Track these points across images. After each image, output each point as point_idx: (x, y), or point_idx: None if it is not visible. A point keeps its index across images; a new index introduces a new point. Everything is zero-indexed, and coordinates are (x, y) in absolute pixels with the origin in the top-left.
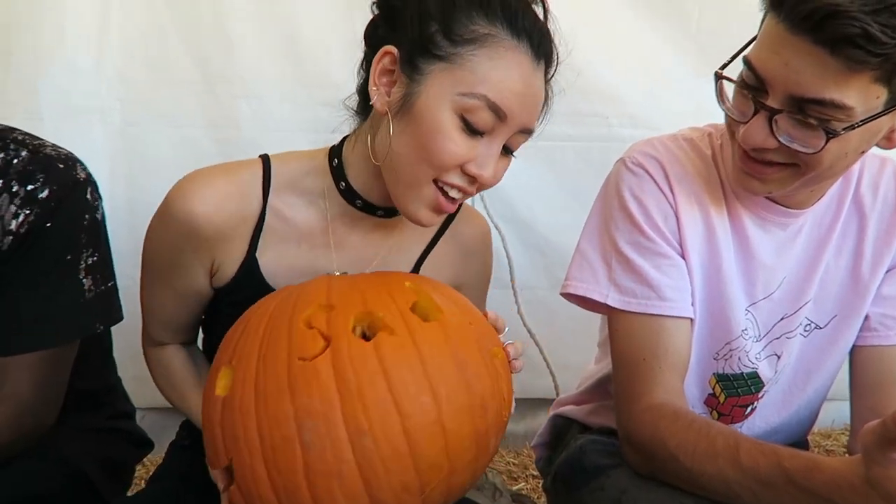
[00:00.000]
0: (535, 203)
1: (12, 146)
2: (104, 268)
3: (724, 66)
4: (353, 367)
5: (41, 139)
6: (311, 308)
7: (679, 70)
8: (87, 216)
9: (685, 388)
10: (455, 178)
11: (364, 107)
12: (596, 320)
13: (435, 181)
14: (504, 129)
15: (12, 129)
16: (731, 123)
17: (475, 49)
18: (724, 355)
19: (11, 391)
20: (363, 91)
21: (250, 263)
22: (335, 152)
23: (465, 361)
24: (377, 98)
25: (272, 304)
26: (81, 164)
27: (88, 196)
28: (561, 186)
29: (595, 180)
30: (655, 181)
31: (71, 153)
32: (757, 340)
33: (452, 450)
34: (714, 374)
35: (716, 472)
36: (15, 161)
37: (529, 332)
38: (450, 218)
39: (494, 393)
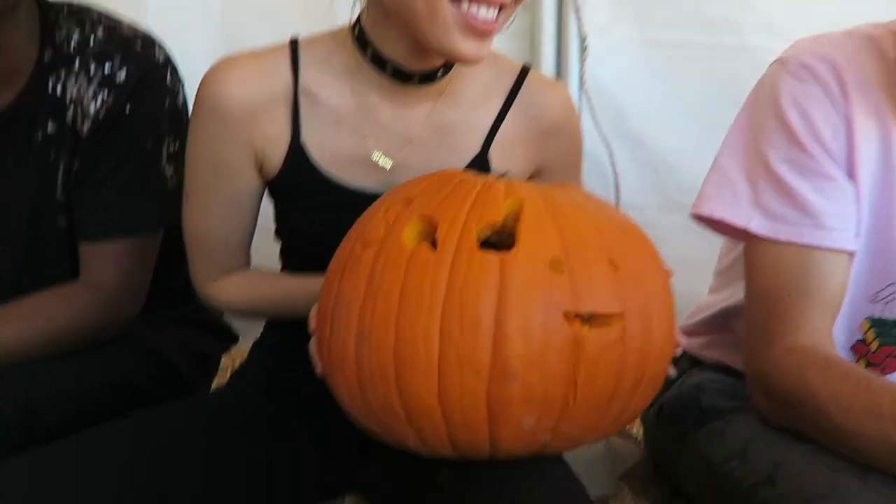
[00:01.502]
0: (650, 116)
1: (88, 24)
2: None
3: None
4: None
5: (118, 19)
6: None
7: None
8: (167, 101)
9: None
10: None
11: None
12: (708, 246)
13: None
14: None
15: (88, 8)
16: None
17: None
18: (885, 297)
19: (94, 280)
20: None
21: (296, 148)
22: (355, 26)
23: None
24: None
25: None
26: (160, 45)
27: (168, 79)
28: (680, 99)
29: (719, 95)
30: (825, 88)
31: (149, 34)
32: None
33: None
34: (868, 318)
35: (878, 435)
36: (91, 41)
37: None
38: (516, 87)
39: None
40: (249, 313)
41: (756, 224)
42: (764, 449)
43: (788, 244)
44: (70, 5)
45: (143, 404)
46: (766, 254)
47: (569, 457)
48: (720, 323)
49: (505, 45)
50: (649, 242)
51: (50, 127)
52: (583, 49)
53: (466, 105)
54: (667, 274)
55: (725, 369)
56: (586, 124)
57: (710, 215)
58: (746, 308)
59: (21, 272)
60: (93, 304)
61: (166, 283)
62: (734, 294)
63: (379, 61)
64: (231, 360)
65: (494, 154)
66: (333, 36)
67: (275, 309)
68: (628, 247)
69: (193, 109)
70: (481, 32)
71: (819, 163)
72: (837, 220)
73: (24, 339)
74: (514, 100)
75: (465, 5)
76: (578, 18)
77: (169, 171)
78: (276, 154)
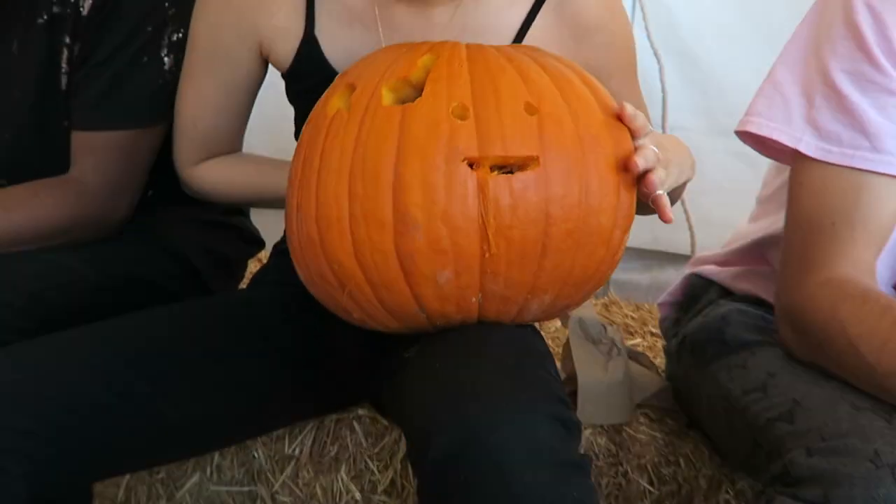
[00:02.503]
0: (706, 32)
1: None
2: None
3: None
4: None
5: None
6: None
7: None
8: None
9: None
10: None
11: None
12: (753, 174)
13: None
14: None
15: None
16: None
17: None
18: None
19: (74, 175)
20: None
21: (310, 42)
22: None
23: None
24: None
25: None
26: None
27: None
28: (740, 13)
29: (786, 10)
30: None
31: None
32: None
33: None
34: None
35: None
36: None
37: None
38: None
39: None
40: (228, 197)
41: (806, 144)
42: (785, 383)
43: (839, 167)
44: None
45: (162, 302)
46: (814, 177)
47: (585, 383)
48: (756, 252)
49: None
50: (604, 99)
51: (54, 6)
52: None
53: (492, 7)
54: (622, 130)
55: (756, 301)
56: (638, 35)
57: (756, 132)
58: (785, 235)
59: (22, 163)
60: (71, 200)
61: None
62: (774, 223)
63: None
64: (259, 266)
65: None
66: None
67: (252, 189)
68: (565, 95)
69: None
70: None
71: (887, 77)
72: None
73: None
74: (544, 0)
75: None
76: None
77: (169, 61)
78: (287, 46)
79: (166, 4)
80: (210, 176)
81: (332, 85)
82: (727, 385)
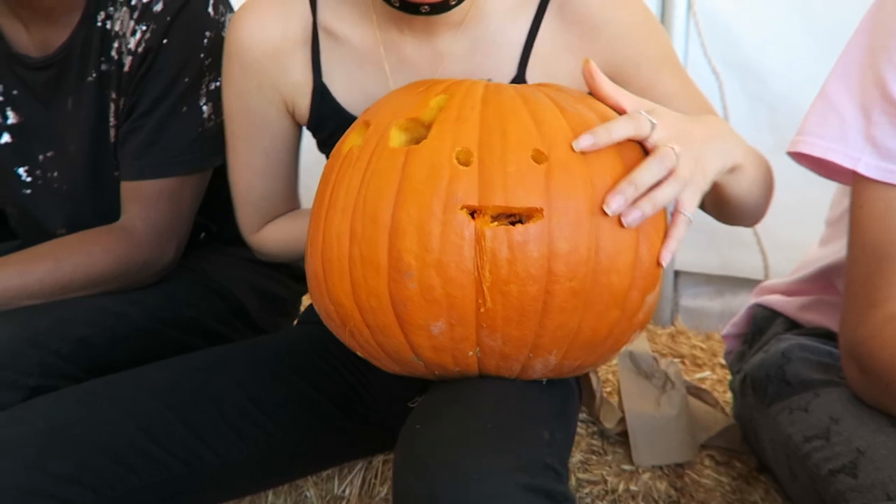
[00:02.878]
0: (768, 44)
1: None
2: None
3: None
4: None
5: None
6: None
7: None
8: (207, 33)
9: None
10: None
11: None
12: (822, 192)
13: None
14: None
15: None
16: None
17: None
18: None
19: (123, 223)
20: None
21: (321, 90)
22: None
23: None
24: None
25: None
26: None
27: (210, 10)
28: (804, 23)
29: (853, 16)
30: None
31: None
32: None
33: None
34: None
35: None
36: None
37: None
38: None
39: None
40: (297, 253)
41: (865, 164)
42: (850, 431)
43: None
44: None
45: (212, 342)
46: (876, 199)
47: (634, 420)
48: (825, 280)
49: None
50: (630, 146)
51: (102, 64)
52: None
53: (493, 26)
54: None
55: (825, 335)
56: (693, 50)
57: (809, 153)
58: (847, 264)
59: (80, 214)
60: (119, 247)
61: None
62: (844, 248)
63: None
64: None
65: (534, 73)
66: None
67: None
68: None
69: (223, 59)
70: None
71: None
72: None
73: (41, 282)
74: (546, 6)
75: None
76: None
77: (207, 109)
78: (304, 100)
79: (202, 55)
80: (272, 238)
81: (354, 122)
82: (787, 430)
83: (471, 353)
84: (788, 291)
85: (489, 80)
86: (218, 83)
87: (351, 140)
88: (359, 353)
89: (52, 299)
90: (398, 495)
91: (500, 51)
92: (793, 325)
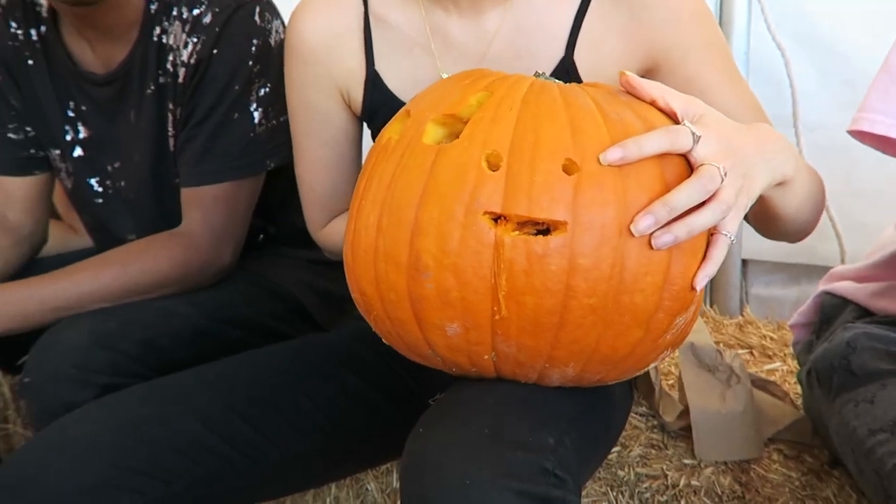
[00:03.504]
0: (845, 17)
1: None
2: (278, 99)
3: None
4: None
5: None
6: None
7: None
8: (255, 41)
9: None
10: None
11: None
12: None
13: None
14: None
15: None
16: None
17: None
18: None
19: (183, 229)
20: None
21: (373, 78)
22: None
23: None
24: None
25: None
26: None
27: (257, 18)
28: None
29: None
30: None
31: None
32: None
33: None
34: None
35: None
36: None
37: None
38: None
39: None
40: None
41: None
42: None
43: None
44: None
45: (272, 341)
46: None
47: (698, 415)
48: None
49: None
50: (674, 160)
51: (159, 77)
52: None
53: (541, 5)
54: None
55: None
56: (756, 26)
57: (869, 130)
58: None
59: (146, 220)
60: (180, 251)
61: (293, 219)
62: None
63: None
64: None
65: (581, 56)
66: None
67: None
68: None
69: (284, 57)
70: None
71: None
72: None
73: (110, 286)
74: None
75: None
76: None
77: (258, 115)
78: (358, 87)
79: (250, 63)
80: (336, 234)
81: (399, 110)
82: (852, 422)
83: (486, 356)
84: (859, 277)
85: (540, 73)
86: (267, 89)
87: (391, 130)
88: (384, 341)
89: (119, 302)
90: (401, 496)
91: (547, 31)
92: (864, 314)
